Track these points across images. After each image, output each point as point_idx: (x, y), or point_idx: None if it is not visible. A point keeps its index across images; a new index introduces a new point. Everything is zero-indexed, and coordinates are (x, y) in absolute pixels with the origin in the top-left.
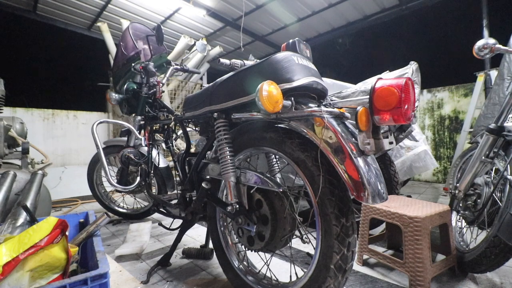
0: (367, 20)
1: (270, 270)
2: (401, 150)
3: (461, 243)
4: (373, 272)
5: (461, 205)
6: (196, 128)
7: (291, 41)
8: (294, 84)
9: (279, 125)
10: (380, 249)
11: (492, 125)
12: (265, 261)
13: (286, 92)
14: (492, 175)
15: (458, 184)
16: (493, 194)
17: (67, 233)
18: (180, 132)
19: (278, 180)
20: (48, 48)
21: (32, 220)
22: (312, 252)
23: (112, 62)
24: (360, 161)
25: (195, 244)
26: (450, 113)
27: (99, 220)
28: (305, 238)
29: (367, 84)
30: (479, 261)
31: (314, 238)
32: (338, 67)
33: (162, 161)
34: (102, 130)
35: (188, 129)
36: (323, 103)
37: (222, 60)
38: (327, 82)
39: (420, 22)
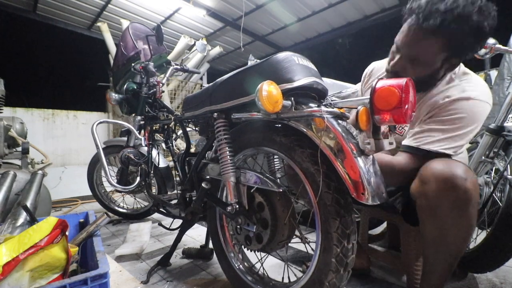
0: (367, 20)
1: (264, 269)
2: None
3: None
4: (373, 272)
5: None
6: (196, 128)
7: None
8: (295, 84)
9: (279, 125)
10: (380, 249)
11: (492, 125)
12: (262, 261)
13: (286, 92)
14: (492, 175)
15: None
16: (493, 194)
17: (67, 233)
18: (180, 132)
19: (278, 180)
20: (48, 48)
21: (32, 220)
22: (311, 252)
23: (112, 62)
24: (360, 161)
25: (195, 244)
26: None
27: (99, 220)
28: (305, 239)
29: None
30: (479, 261)
31: (314, 241)
32: (338, 67)
33: (162, 161)
34: (102, 130)
35: (188, 129)
36: (323, 103)
37: None
38: (327, 82)
39: None
